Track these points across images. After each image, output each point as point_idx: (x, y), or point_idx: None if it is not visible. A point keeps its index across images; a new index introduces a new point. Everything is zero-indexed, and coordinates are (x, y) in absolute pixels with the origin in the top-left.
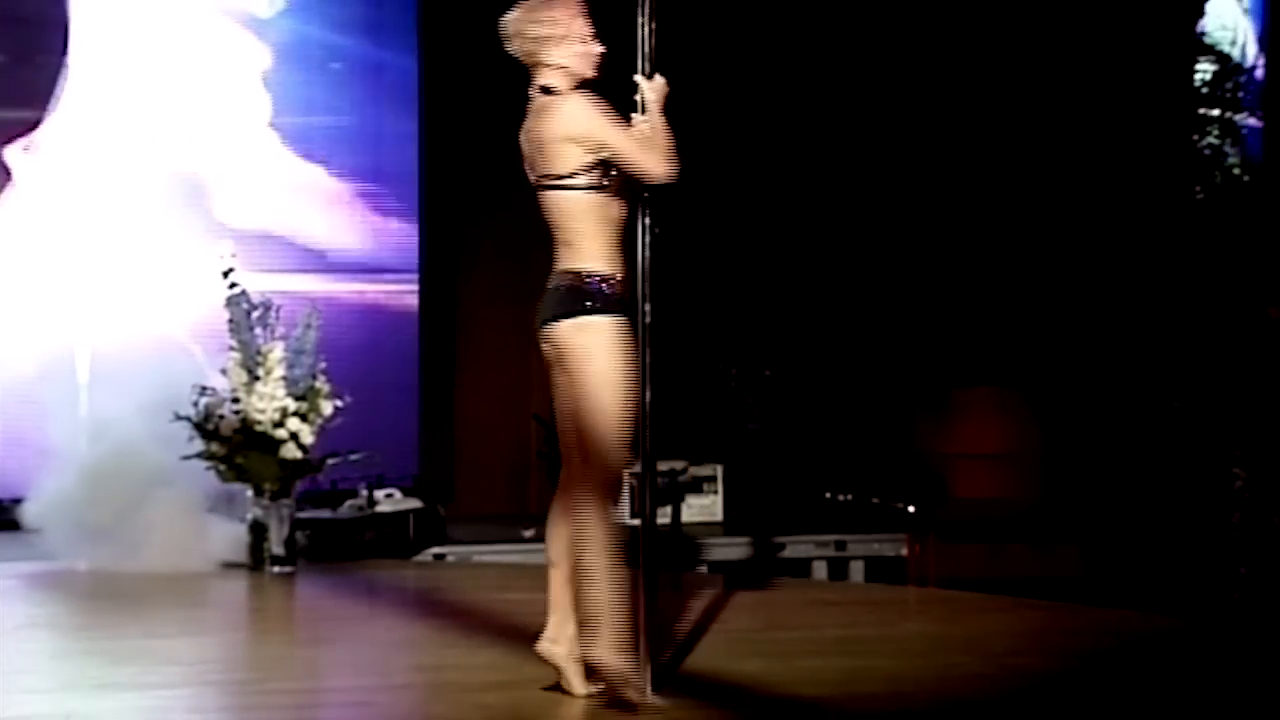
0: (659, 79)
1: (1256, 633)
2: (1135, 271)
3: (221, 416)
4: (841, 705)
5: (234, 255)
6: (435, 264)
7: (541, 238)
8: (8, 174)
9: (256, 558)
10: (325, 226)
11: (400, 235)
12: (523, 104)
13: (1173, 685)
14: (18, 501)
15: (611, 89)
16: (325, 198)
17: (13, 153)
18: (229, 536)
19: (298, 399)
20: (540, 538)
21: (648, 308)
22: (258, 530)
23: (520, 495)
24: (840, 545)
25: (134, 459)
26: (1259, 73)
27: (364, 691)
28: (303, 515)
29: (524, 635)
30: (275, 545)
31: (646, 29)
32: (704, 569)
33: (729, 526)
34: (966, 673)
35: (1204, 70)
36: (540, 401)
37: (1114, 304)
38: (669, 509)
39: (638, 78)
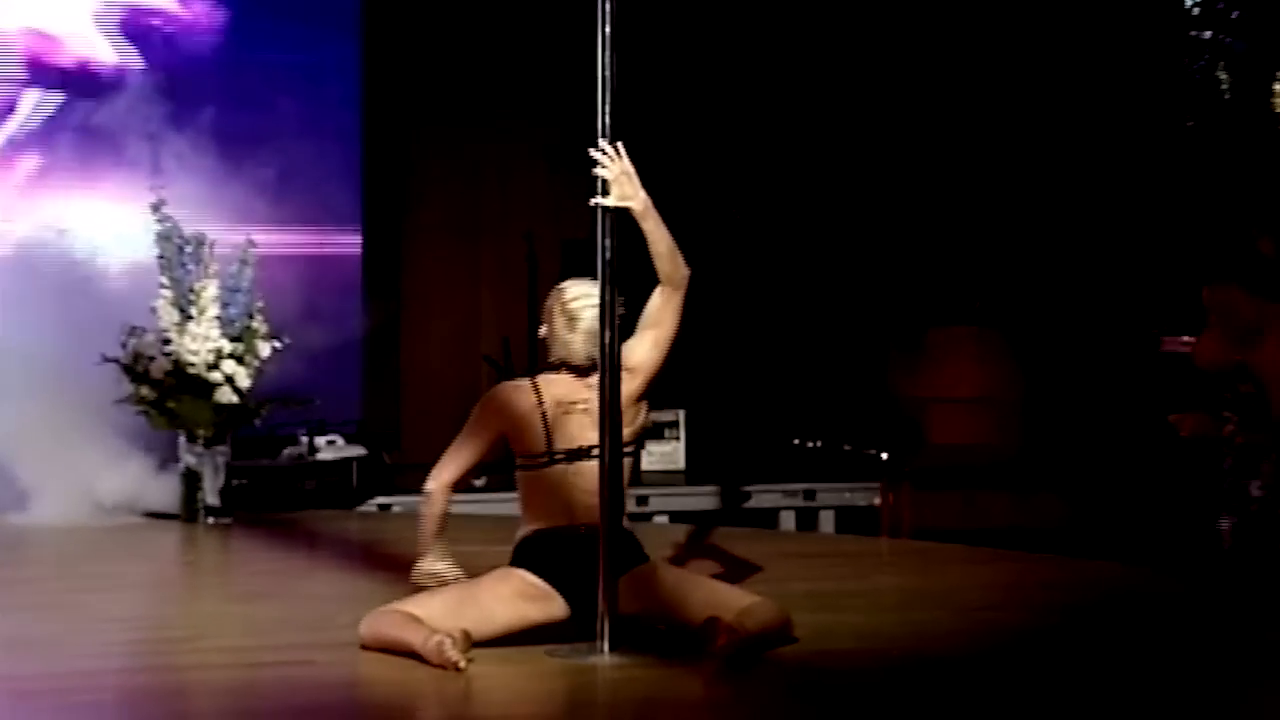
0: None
1: (1243, 585)
2: (1123, 203)
3: (151, 358)
4: (810, 661)
5: (163, 188)
6: (379, 200)
7: (491, 173)
8: None
9: (189, 508)
10: (262, 163)
11: (342, 170)
12: (468, 38)
13: (1155, 640)
14: None
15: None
16: (262, 136)
17: None
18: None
19: (233, 340)
20: (492, 486)
21: (609, 243)
22: (191, 479)
23: None
24: (809, 495)
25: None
26: None
27: (304, 650)
28: (239, 463)
29: None
30: (209, 495)
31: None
32: (665, 520)
33: (691, 475)
34: (941, 628)
35: None
36: (490, 342)
37: (1100, 238)
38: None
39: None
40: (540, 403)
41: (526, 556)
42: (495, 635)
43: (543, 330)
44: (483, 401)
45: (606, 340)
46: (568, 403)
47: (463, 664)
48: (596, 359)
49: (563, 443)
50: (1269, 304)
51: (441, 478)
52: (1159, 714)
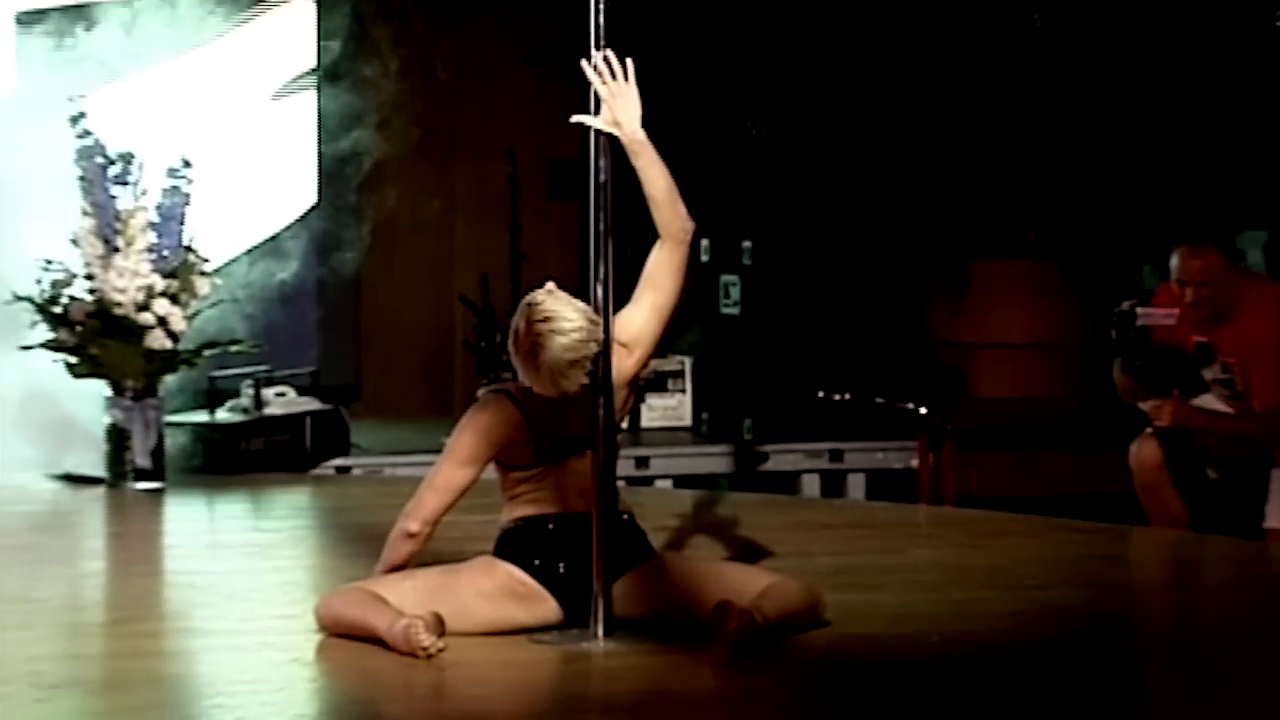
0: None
1: None
2: (1202, 112)
3: (72, 298)
4: (836, 648)
5: (83, 96)
6: (336, 114)
7: (467, 84)
8: None
9: (115, 471)
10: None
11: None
12: None
13: (1234, 622)
14: None
15: None
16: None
17: None
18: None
19: (167, 276)
20: None
21: (604, 163)
22: (117, 437)
23: (442, 394)
24: (836, 456)
25: None
26: None
27: (249, 634)
28: (173, 419)
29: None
30: (139, 456)
31: None
32: (669, 484)
33: (699, 432)
34: (990, 609)
35: None
36: (467, 280)
37: (1176, 153)
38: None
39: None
40: (524, 414)
41: (512, 548)
42: (471, 633)
43: (509, 342)
44: (466, 430)
45: (601, 274)
46: (552, 403)
47: (434, 650)
48: (568, 391)
49: (550, 442)
50: (1245, 276)
51: (426, 516)
52: (1236, 705)
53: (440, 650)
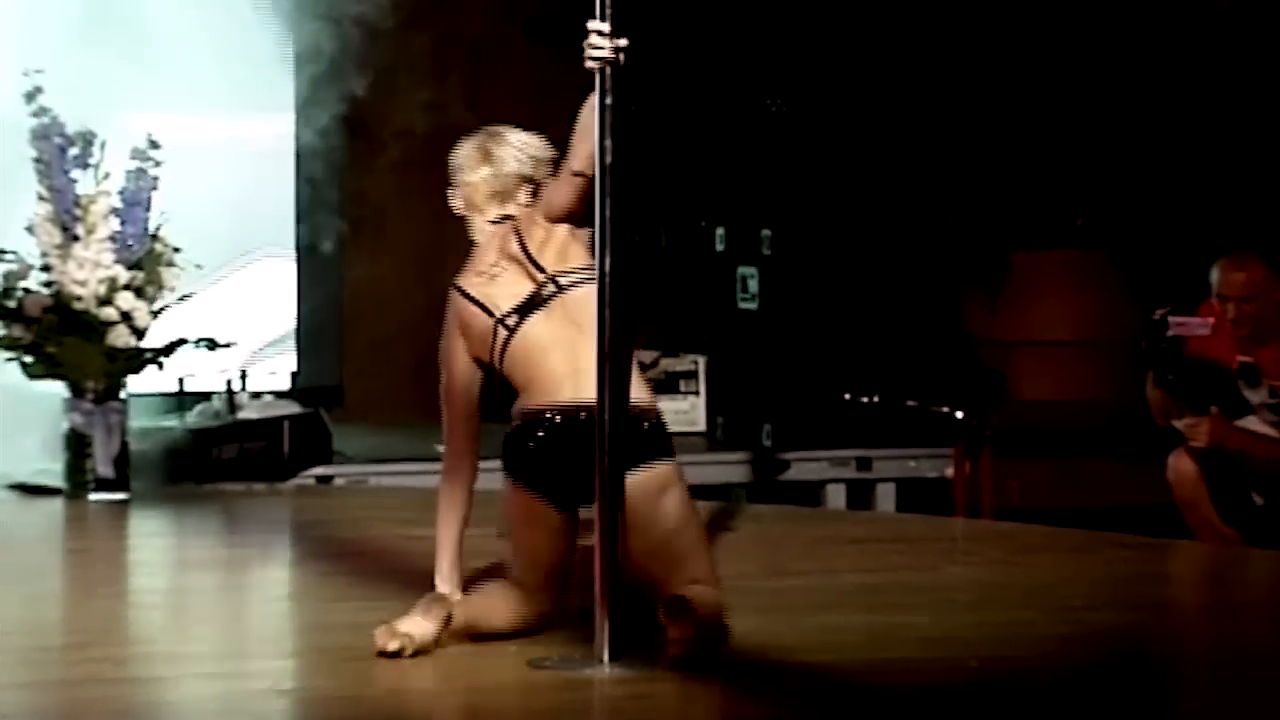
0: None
1: None
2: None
3: (27, 290)
4: (863, 674)
5: (40, 71)
6: (315, 89)
7: (458, 56)
8: None
9: (75, 480)
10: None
11: (272, 55)
12: None
13: None
14: None
15: None
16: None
17: None
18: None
19: (131, 267)
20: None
21: (608, 144)
22: (77, 443)
23: (434, 396)
24: (864, 464)
25: None
26: None
27: (223, 660)
28: (139, 424)
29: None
30: (100, 464)
31: None
32: None
33: (714, 438)
34: (1032, 632)
35: None
36: (459, 270)
37: (1242, 128)
38: None
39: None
40: (460, 287)
41: (514, 455)
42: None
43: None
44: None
45: (606, 264)
46: (485, 268)
47: (391, 649)
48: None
49: (501, 306)
50: None
51: (445, 388)
52: None
53: (397, 650)
